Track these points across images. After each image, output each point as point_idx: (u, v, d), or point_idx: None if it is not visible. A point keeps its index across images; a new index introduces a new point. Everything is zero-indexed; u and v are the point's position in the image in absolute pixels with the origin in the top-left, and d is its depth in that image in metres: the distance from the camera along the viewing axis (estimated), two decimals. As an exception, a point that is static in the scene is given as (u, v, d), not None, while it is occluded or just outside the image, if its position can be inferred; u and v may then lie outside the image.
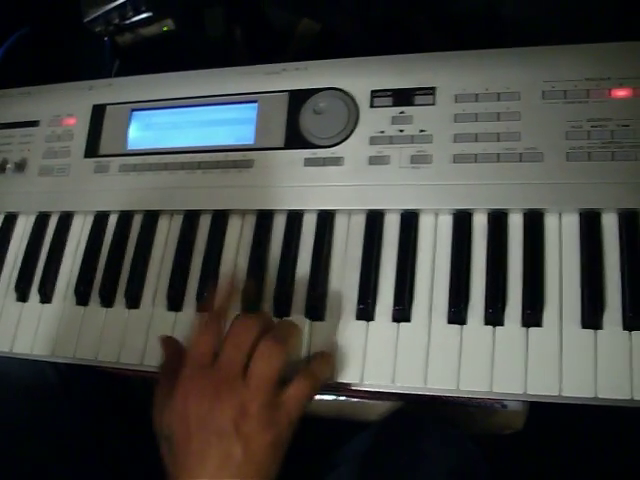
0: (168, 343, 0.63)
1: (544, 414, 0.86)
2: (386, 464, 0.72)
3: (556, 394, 0.60)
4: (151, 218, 0.76)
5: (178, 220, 0.75)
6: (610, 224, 0.65)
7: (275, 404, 0.54)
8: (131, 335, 0.71)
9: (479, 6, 0.86)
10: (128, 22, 0.96)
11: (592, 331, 0.61)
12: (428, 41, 0.91)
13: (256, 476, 0.52)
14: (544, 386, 0.60)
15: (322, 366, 0.61)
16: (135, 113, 0.79)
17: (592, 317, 0.61)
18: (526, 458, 0.88)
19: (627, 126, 0.65)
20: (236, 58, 0.96)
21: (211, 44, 0.96)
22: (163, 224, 0.76)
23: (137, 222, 0.77)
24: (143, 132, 0.78)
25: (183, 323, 0.71)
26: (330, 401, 0.84)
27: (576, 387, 0.60)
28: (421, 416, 0.76)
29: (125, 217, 0.77)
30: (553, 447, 0.92)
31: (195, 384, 0.55)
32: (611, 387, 0.59)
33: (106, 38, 0.98)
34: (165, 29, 1.00)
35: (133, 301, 0.74)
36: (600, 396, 0.59)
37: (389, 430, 0.76)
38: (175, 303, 0.72)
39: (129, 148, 0.77)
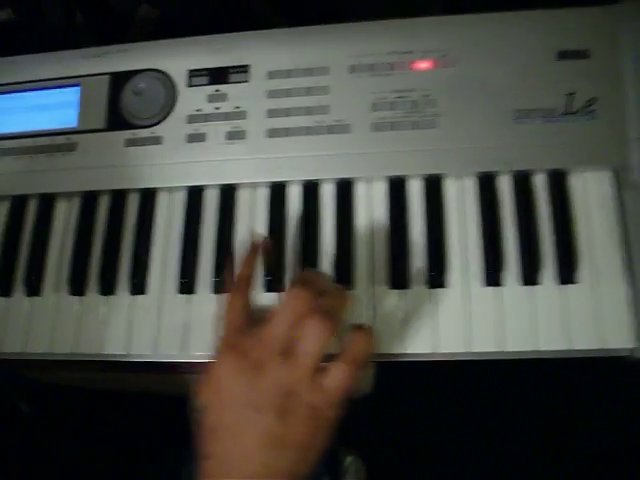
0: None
1: (393, 376, 0.89)
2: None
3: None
4: (-21, 205, 0.75)
5: (6, 207, 0.74)
6: (415, 189, 0.68)
7: (317, 387, 0.51)
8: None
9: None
10: (-31, 10, 0.94)
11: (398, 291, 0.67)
12: (267, 20, 0.93)
13: (297, 455, 0.50)
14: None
15: (364, 346, 0.54)
16: (-41, 101, 0.78)
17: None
18: (377, 421, 0.91)
19: (428, 96, 0.69)
20: (79, 43, 0.95)
21: (53, 30, 0.95)
22: (-8, 210, 0.75)
23: (-35, 210, 0.75)
24: (-32, 120, 0.77)
25: (13, 309, 0.71)
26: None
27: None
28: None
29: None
30: (404, 408, 0.95)
31: (234, 355, 0.52)
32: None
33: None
34: (9, 16, 0.98)
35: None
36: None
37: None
38: (5, 289, 0.72)
39: (-49, 137, 0.77)
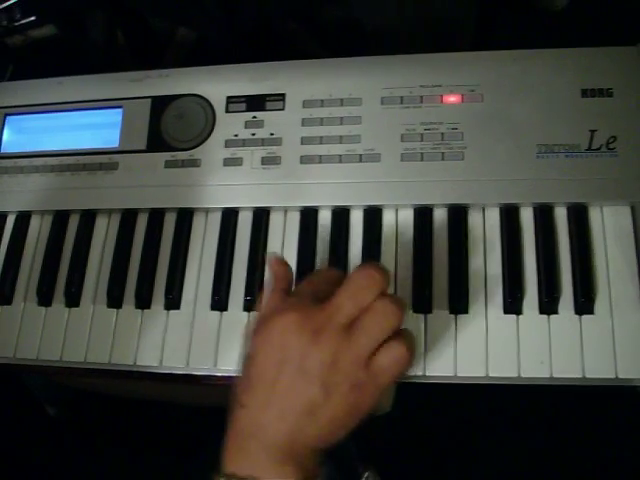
0: (279, 263, 0.62)
1: (411, 395, 0.92)
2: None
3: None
4: (23, 219, 0.79)
5: (49, 220, 0.78)
6: (441, 218, 0.71)
7: (367, 368, 0.51)
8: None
9: (345, 16, 0.92)
10: (17, 24, 0.98)
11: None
12: (303, 49, 0.96)
13: (328, 428, 0.50)
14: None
15: (412, 338, 0.55)
16: (9, 117, 0.82)
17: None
18: (395, 438, 0.94)
19: (456, 129, 0.72)
20: (120, 62, 0.99)
21: (95, 48, 0.99)
22: (35, 224, 0.79)
23: (10, 223, 0.80)
24: (16, 136, 0.81)
25: (52, 319, 0.75)
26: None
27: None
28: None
29: (-2, 218, 0.80)
30: (422, 426, 0.98)
31: (300, 317, 0.52)
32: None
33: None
34: (52, 32, 1.02)
35: (5, 300, 0.78)
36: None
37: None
38: (45, 299, 0.75)
39: (2, 151, 0.81)
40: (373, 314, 0.51)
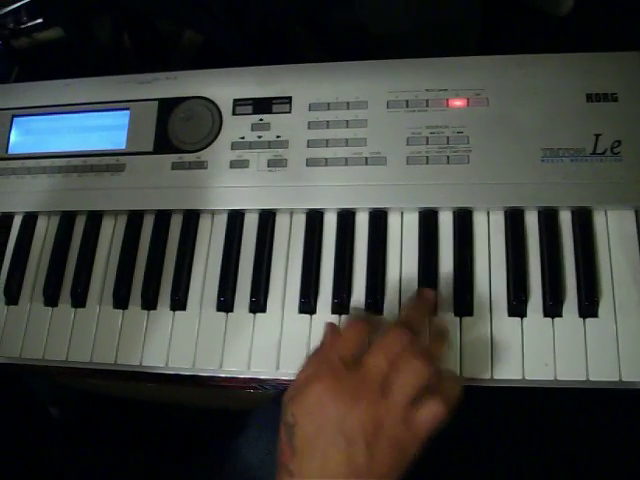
0: (333, 330, 0.62)
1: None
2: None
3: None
4: (30, 220, 0.80)
5: (56, 221, 0.79)
6: (446, 221, 0.71)
7: (407, 423, 0.53)
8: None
9: (349, 20, 0.92)
10: (23, 27, 0.99)
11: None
12: (308, 52, 0.97)
13: None
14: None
15: (455, 386, 0.57)
16: (17, 119, 0.82)
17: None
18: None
19: (461, 132, 0.72)
20: (126, 65, 1.00)
21: (102, 51, 1.00)
22: (41, 225, 0.80)
23: (17, 223, 0.80)
24: (24, 137, 0.82)
25: (59, 319, 0.76)
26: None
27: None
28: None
29: (4, 219, 0.80)
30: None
31: (335, 383, 0.54)
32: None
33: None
34: (60, 34, 1.03)
35: (12, 301, 0.78)
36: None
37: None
38: (52, 299, 0.76)
39: (10, 152, 0.81)
40: (404, 372, 0.54)
